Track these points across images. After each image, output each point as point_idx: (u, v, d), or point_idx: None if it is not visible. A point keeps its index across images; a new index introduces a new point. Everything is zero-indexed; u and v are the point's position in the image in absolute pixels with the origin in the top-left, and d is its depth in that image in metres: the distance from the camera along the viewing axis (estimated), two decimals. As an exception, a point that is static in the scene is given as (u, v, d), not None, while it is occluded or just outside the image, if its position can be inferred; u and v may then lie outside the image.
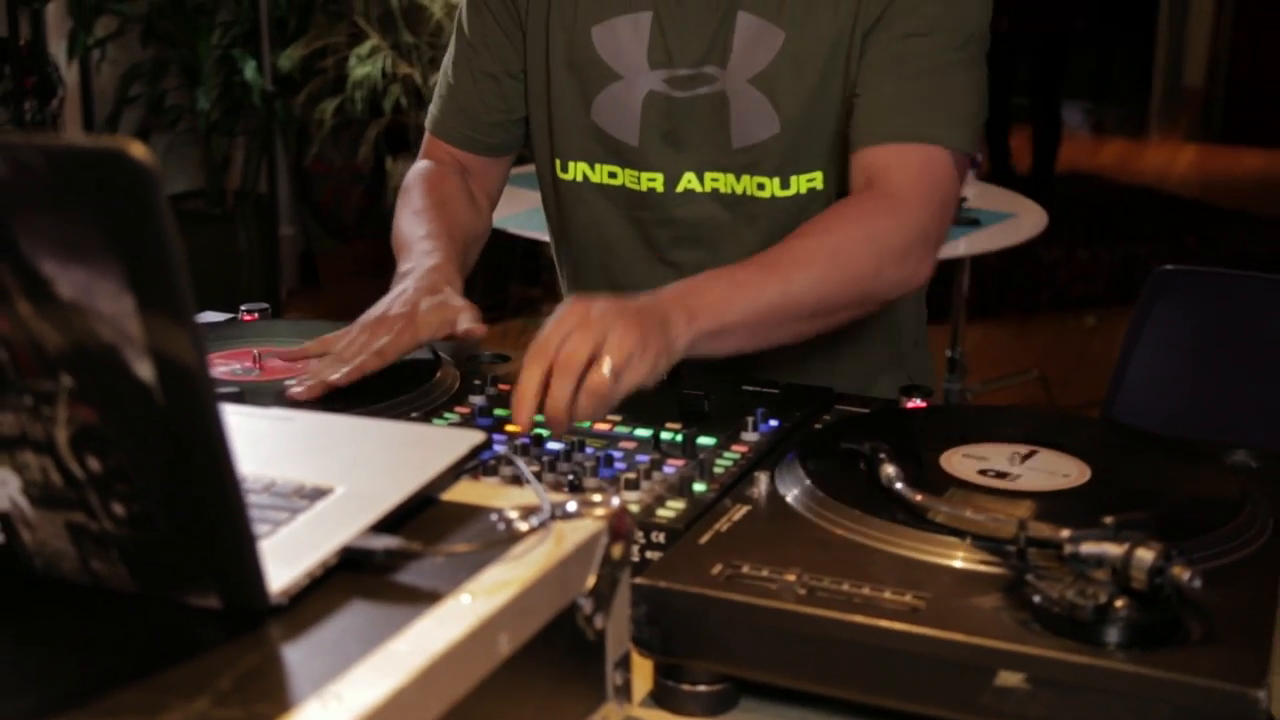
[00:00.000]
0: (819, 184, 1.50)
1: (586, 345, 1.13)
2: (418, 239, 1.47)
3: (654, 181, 1.53)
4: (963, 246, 3.34)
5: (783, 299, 1.29)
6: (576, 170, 1.57)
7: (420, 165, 1.64)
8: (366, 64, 4.67)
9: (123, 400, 0.77)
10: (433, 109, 1.66)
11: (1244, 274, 2.75)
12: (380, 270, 6.06)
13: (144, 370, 0.75)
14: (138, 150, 0.70)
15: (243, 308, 1.56)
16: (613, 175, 1.55)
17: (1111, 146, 7.80)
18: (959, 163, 1.44)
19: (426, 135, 1.67)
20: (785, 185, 1.50)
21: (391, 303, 1.38)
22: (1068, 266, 5.35)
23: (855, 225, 1.36)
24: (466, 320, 1.35)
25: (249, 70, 4.48)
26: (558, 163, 1.58)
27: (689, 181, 1.52)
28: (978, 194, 3.64)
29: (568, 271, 1.68)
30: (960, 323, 3.80)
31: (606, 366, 1.13)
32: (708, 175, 1.52)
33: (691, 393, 1.28)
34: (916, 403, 1.31)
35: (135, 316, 0.74)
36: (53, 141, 0.73)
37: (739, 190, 1.52)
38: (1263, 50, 7.64)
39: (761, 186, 1.51)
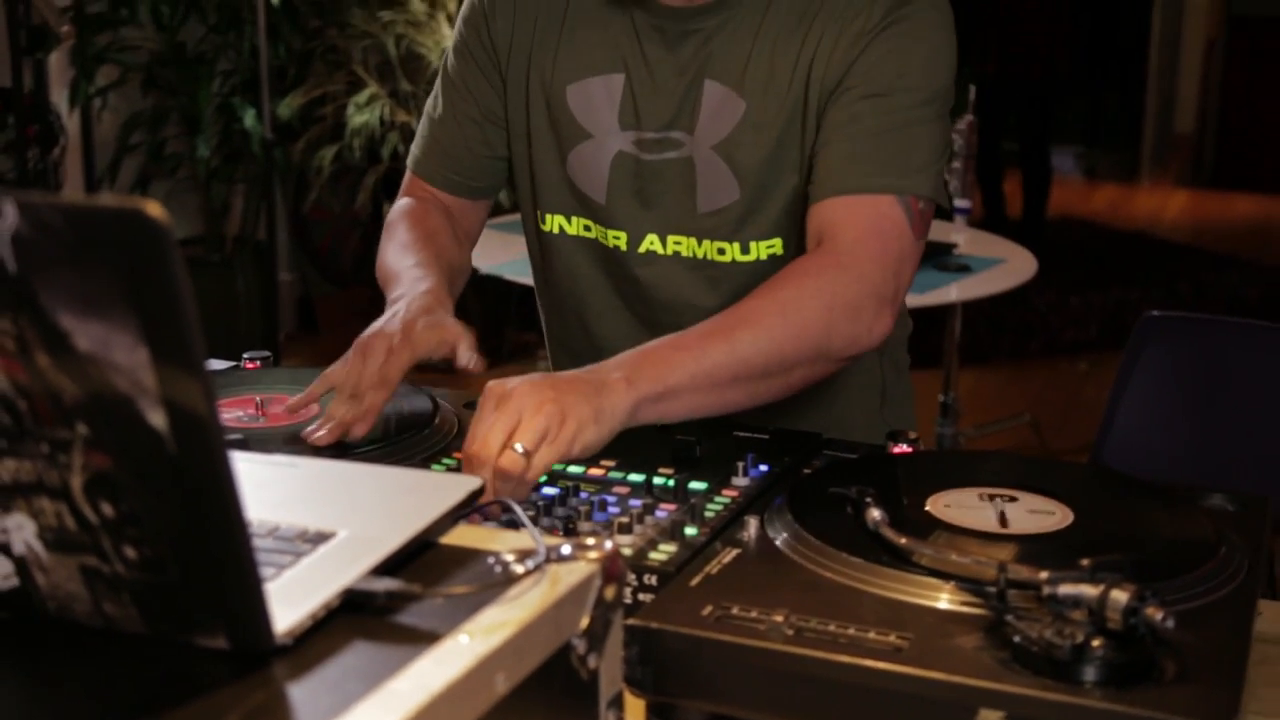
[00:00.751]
0: (779, 250, 1.53)
1: (497, 433, 1.18)
2: (407, 268, 1.49)
3: (619, 240, 1.57)
4: (954, 292, 3.38)
5: (729, 358, 1.29)
6: (554, 222, 1.60)
7: (403, 202, 1.67)
8: (365, 112, 4.72)
9: (136, 448, 0.80)
10: (415, 148, 1.69)
11: (1229, 320, 2.79)
12: (377, 315, 6.04)
13: (157, 419, 0.78)
14: (154, 210, 0.74)
15: (245, 356, 1.59)
16: (587, 229, 1.59)
17: (1104, 192, 7.86)
18: (918, 212, 1.43)
19: (408, 174, 1.70)
20: (745, 250, 1.53)
21: (386, 322, 1.39)
22: (1060, 312, 5.39)
23: (804, 282, 1.36)
24: (465, 350, 1.36)
25: (249, 118, 4.53)
26: (538, 214, 1.62)
27: (651, 243, 1.56)
28: (969, 240, 3.69)
29: (547, 320, 1.72)
30: (953, 367, 3.84)
31: (518, 448, 1.17)
32: (670, 238, 1.55)
33: (683, 438, 1.32)
34: (903, 448, 1.35)
35: (149, 368, 0.77)
36: (73, 201, 0.76)
37: (700, 254, 1.55)
38: (1252, 96, 7.72)
39: (722, 251, 1.54)
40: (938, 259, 3.41)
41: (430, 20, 4.76)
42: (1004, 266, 3.50)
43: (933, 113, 1.47)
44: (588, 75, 1.54)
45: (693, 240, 1.54)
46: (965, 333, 4.21)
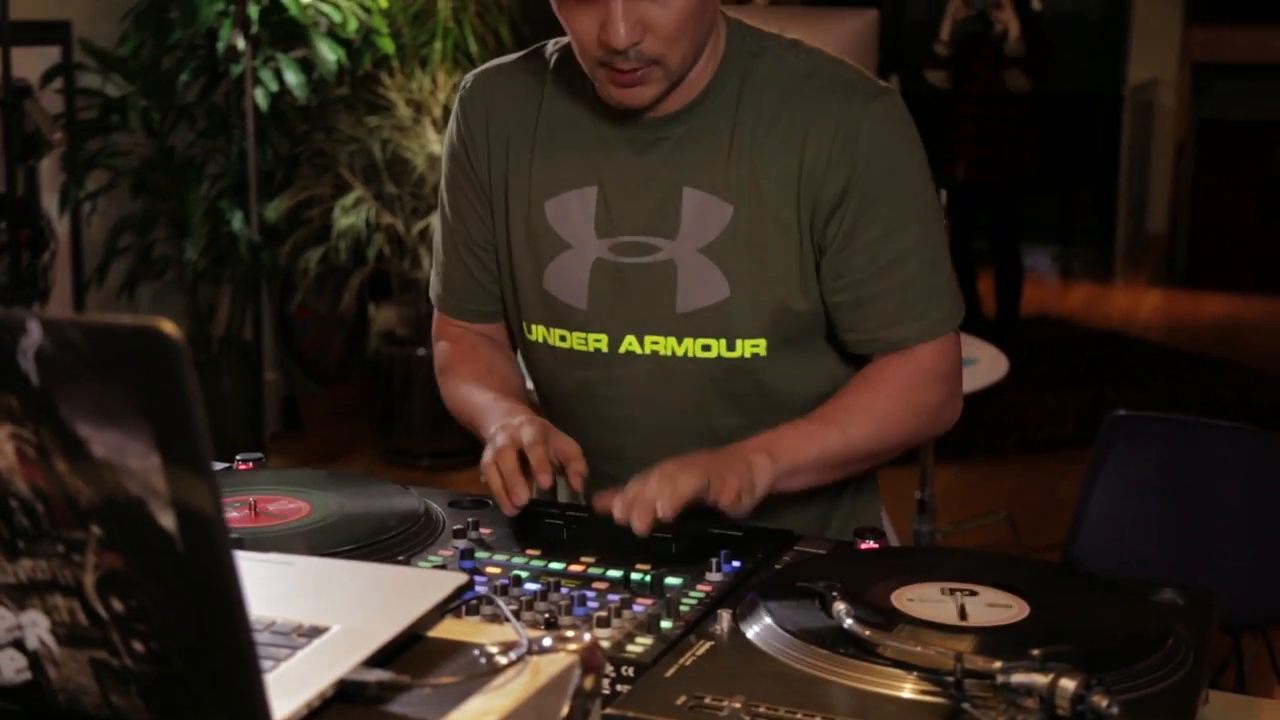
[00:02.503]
0: (762, 350, 1.58)
1: (678, 472, 1.40)
2: (489, 403, 1.61)
3: (599, 342, 1.61)
4: (928, 391, 3.45)
5: (843, 448, 1.54)
6: (537, 332, 1.66)
7: (444, 346, 1.75)
8: (351, 214, 4.81)
9: (147, 547, 0.86)
10: (435, 284, 1.76)
11: (1193, 420, 2.87)
12: (360, 413, 6.10)
13: (167, 520, 0.84)
14: (169, 328, 0.81)
15: (238, 457, 1.65)
16: (562, 339, 1.64)
17: (1078, 291, 7.98)
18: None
19: (436, 313, 1.77)
20: (731, 347, 1.58)
21: (516, 423, 1.51)
22: (1036, 409, 5.47)
23: (897, 398, 1.58)
24: (579, 465, 1.49)
25: (236, 221, 4.61)
26: (524, 326, 1.68)
27: (630, 344, 1.60)
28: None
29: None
30: (929, 465, 3.90)
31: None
32: (647, 338, 1.59)
33: (660, 535, 1.38)
34: (869, 544, 1.41)
35: (161, 473, 0.83)
36: (93, 320, 0.83)
37: (679, 352, 1.59)
38: (1221, 198, 7.87)
39: (707, 348, 1.58)
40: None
41: (415, 125, 4.86)
42: (976, 366, 3.58)
43: (935, 222, 1.58)
44: (563, 190, 1.59)
45: (671, 340, 1.59)
46: (942, 430, 4.27)
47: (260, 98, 4.47)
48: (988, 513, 4.43)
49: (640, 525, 1.36)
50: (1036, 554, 4.04)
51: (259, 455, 1.65)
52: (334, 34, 4.69)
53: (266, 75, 4.55)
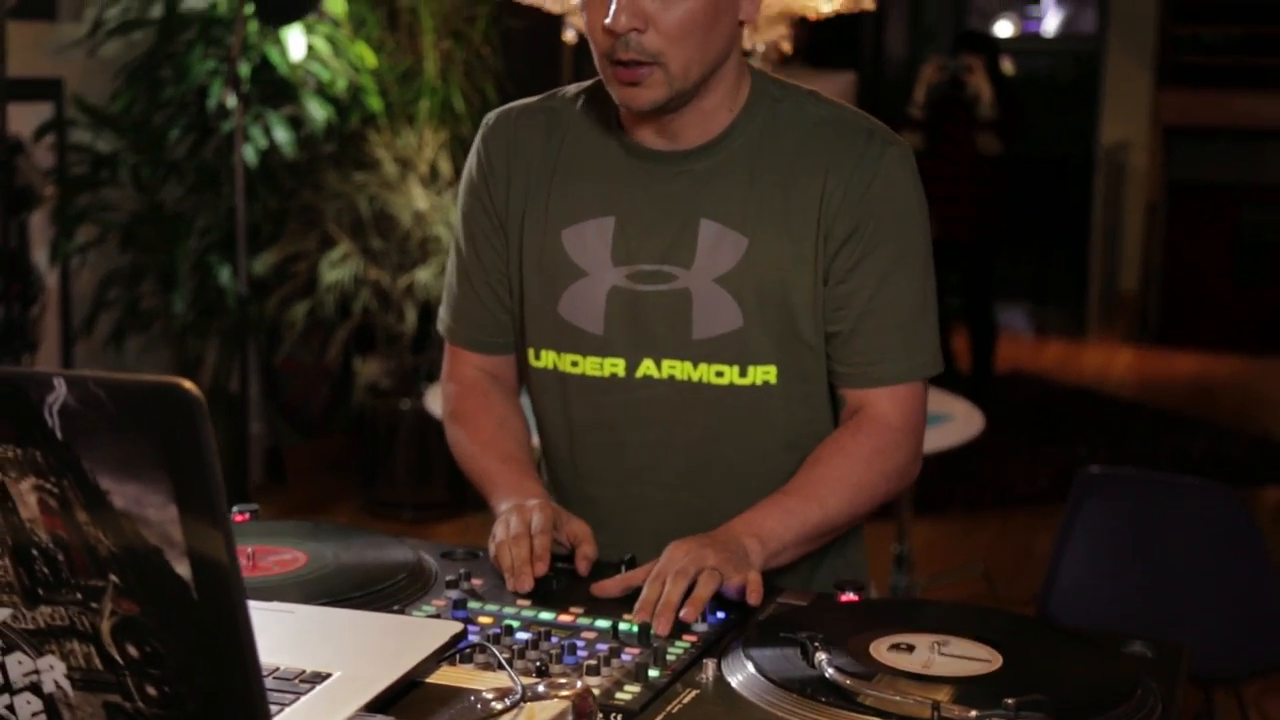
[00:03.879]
0: (772, 379, 1.64)
1: (690, 569, 1.44)
2: (500, 473, 1.69)
3: (616, 367, 1.67)
4: (906, 447, 3.50)
5: (822, 521, 1.61)
6: (547, 359, 1.70)
7: (454, 389, 1.78)
8: (338, 268, 4.86)
9: (162, 595, 0.90)
10: (445, 317, 1.80)
11: (1163, 476, 2.93)
12: (343, 465, 6.11)
13: (182, 569, 0.89)
14: (189, 386, 0.86)
15: (234, 509, 1.69)
16: (575, 364, 1.68)
17: (1052, 348, 8.07)
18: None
19: (448, 346, 1.80)
20: (744, 374, 1.64)
21: (531, 506, 1.58)
22: (1012, 465, 5.52)
23: (871, 463, 1.64)
24: (588, 548, 1.56)
25: (224, 275, 4.65)
26: (531, 351, 1.72)
27: (648, 368, 1.66)
28: (920, 397, 3.82)
29: (543, 448, 1.80)
30: (907, 519, 3.94)
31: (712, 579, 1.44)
32: (665, 363, 1.65)
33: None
34: (850, 596, 1.46)
35: (178, 523, 0.88)
36: (116, 377, 0.88)
37: (695, 377, 1.64)
38: (1193, 257, 7.98)
39: (720, 374, 1.64)
40: (890, 415, 3.54)
41: (402, 182, 4.93)
42: (952, 423, 3.64)
43: (930, 272, 1.66)
44: (581, 220, 1.65)
45: (687, 364, 1.65)
46: (920, 484, 4.32)
47: (250, 154, 4.53)
48: (964, 566, 4.48)
49: (663, 629, 1.37)
50: (1012, 607, 4.08)
51: (254, 507, 1.69)
52: (323, 92, 4.75)
53: (256, 132, 4.61)
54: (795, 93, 1.66)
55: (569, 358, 1.68)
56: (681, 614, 1.38)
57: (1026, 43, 9.50)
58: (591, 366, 1.67)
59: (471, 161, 1.74)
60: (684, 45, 1.53)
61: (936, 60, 6.34)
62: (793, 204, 1.61)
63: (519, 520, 1.55)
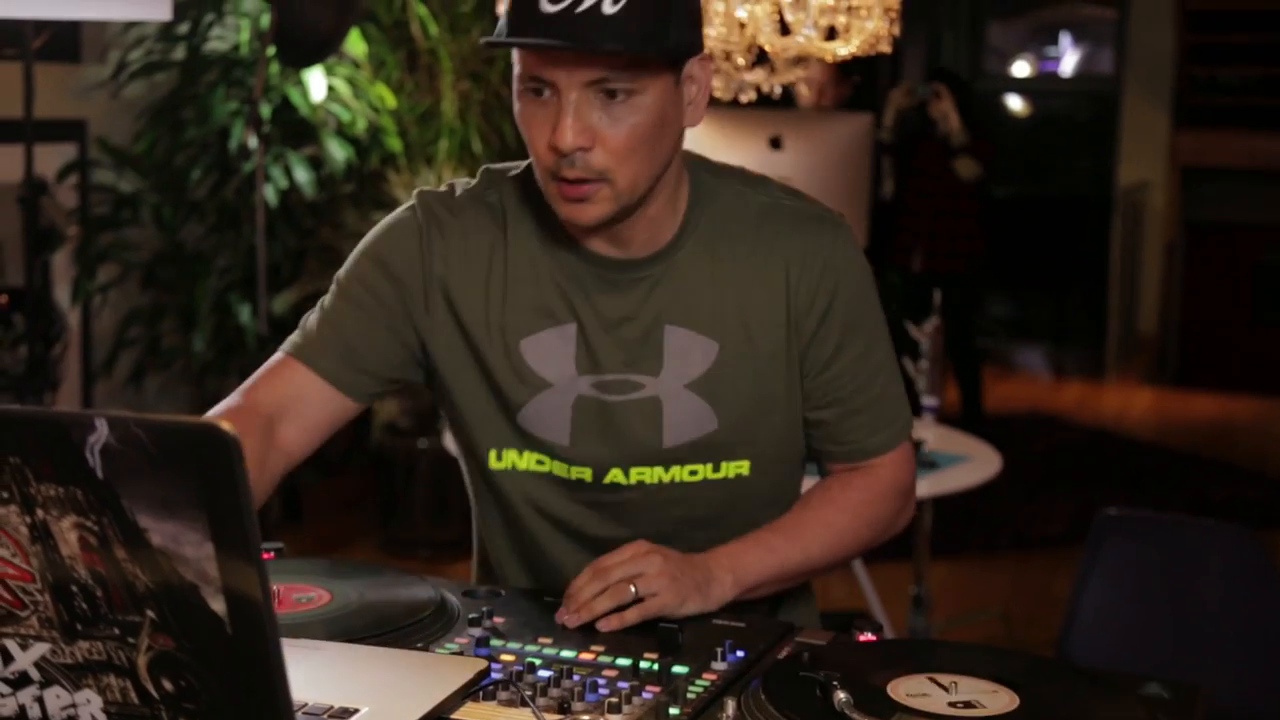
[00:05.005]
0: (745, 471, 1.65)
1: (625, 568, 1.49)
2: None
3: (583, 473, 1.63)
4: (924, 488, 3.52)
5: (803, 564, 1.64)
6: (508, 459, 1.65)
7: (228, 407, 1.65)
8: (356, 308, 4.90)
9: (198, 630, 0.92)
10: (296, 335, 1.67)
11: (1182, 518, 2.94)
12: (360, 504, 6.12)
13: (218, 605, 0.91)
14: (226, 426, 0.88)
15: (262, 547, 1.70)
16: (540, 463, 1.65)
17: (1070, 389, 8.07)
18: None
19: (283, 359, 1.66)
20: (717, 470, 1.65)
21: None
22: (1029, 506, 5.52)
23: (857, 513, 1.68)
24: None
25: (244, 314, 4.69)
26: (491, 454, 1.65)
27: (615, 475, 1.62)
28: (936, 437, 3.83)
29: (488, 543, 1.75)
30: (924, 561, 3.95)
31: (633, 589, 1.48)
32: (633, 470, 1.62)
33: (667, 626, 1.44)
34: (868, 636, 1.47)
35: (214, 560, 0.90)
36: (156, 419, 0.90)
37: (666, 479, 1.63)
38: (1212, 298, 7.98)
39: (694, 472, 1.63)
40: (907, 456, 3.56)
41: (421, 222, 4.97)
42: (969, 464, 3.64)
43: (889, 334, 1.70)
44: (541, 329, 1.60)
45: (659, 469, 1.63)
46: (937, 526, 4.33)
47: (270, 194, 4.58)
48: (982, 609, 4.48)
49: (571, 624, 1.46)
50: (1030, 650, 4.08)
51: (279, 545, 1.71)
52: (343, 132, 4.80)
53: (277, 172, 4.66)
54: (729, 179, 1.65)
55: (533, 456, 1.64)
56: (599, 624, 1.45)
57: (1044, 83, 9.54)
58: (558, 469, 1.64)
59: (401, 229, 1.64)
60: (630, 161, 1.50)
61: (905, 85, 6.40)
62: (757, 300, 1.61)
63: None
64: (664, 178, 1.57)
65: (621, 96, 1.48)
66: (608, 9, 1.44)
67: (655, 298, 1.61)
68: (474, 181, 1.68)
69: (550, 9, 1.44)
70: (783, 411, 1.65)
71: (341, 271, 1.68)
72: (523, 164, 1.65)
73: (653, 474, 1.63)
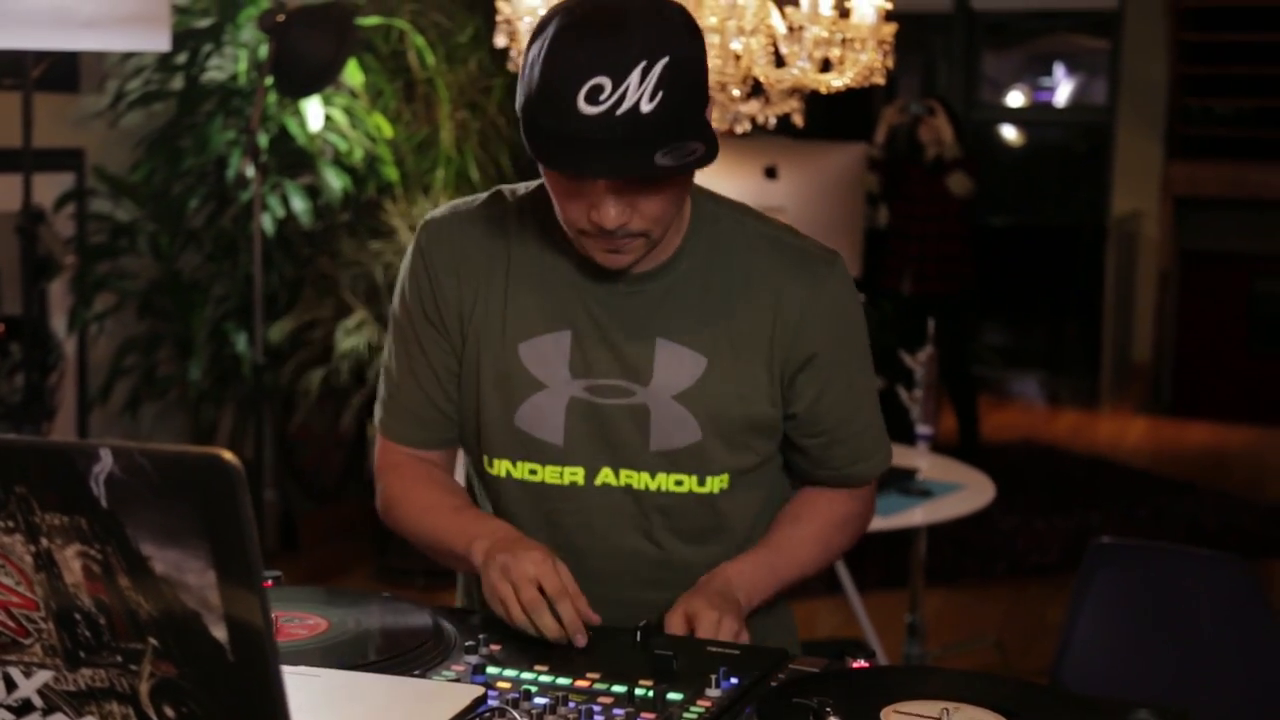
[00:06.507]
0: (726, 484, 1.71)
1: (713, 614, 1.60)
2: (455, 520, 1.68)
3: (575, 475, 1.69)
4: (918, 515, 3.53)
5: (798, 579, 1.75)
6: (500, 467, 1.72)
7: (389, 477, 1.77)
8: (353, 336, 4.91)
9: (199, 658, 0.94)
10: (382, 411, 1.78)
11: (1176, 547, 2.95)
12: (357, 532, 6.12)
13: (219, 632, 0.92)
14: (229, 456, 0.89)
15: (258, 575, 1.71)
16: (533, 472, 1.70)
17: (1065, 417, 8.09)
18: None
19: (380, 439, 1.79)
20: (702, 483, 1.70)
21: (521, 548, 1.57)
22: (1024, 535, 5.53)
23: (842, 529, 1.80)
24: (580, 632, 1.53)
25: (240, 342, 4.70)
26: (485, 459, 1.72)
27: (606, 476, 1.69)
28: (930, 465, 3.85)
29: None
30: (919, 588, 3.96)
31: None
32: (623, 472, 1.69)
33: (662, 653, 1.45)
34: (861, 663, 1.48)
35: (216, 588, 0.91)
36: (160, 448, 0.92)
37: (652, 486, 1.69)
38: (1206, 327, 8.01)
39: (680, 483, 1.69)
40: (900, 484, 3.57)
41: (417, 251, 4.99)
42: (963, 492, 3.66)
43: (872, 366, 1.78)
44: (537, 333, 1.67)
45: (645, 474, 1.69)
46: (932, 554, 4.34)
47: (267, 223, 4.60)
48: (977, 637, 4.49)
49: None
50: (1025, 678, 4.08)
51: (277, 574, 1.72)
52: (340, 162, 4.83)
53: (274, 201, 4.68)
54: (729, 208, 1.72)
55: (526, 466, 1.70)
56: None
57: (1038, 113, 9.59)
58: (550, 475, 1.70)
59: (416, 265, 1.73)
60: (664, 220, 1.58)
61: (899, 102, 6.42)
62: (746, 324, 1.67)
63: (550, 574, 1.53)
64: None
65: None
66: (645, 107, 1.47)
67: (650, 311, 1.67)
68: (480, 198, 1.76)
69: (589, 110, 1.47)
70: (764, 431, 1.71)
71: (389, 330, 1.78)
72: (535, 183, 1.72)
73: (640, 479, 1.69)
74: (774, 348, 1.68)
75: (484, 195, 1.76)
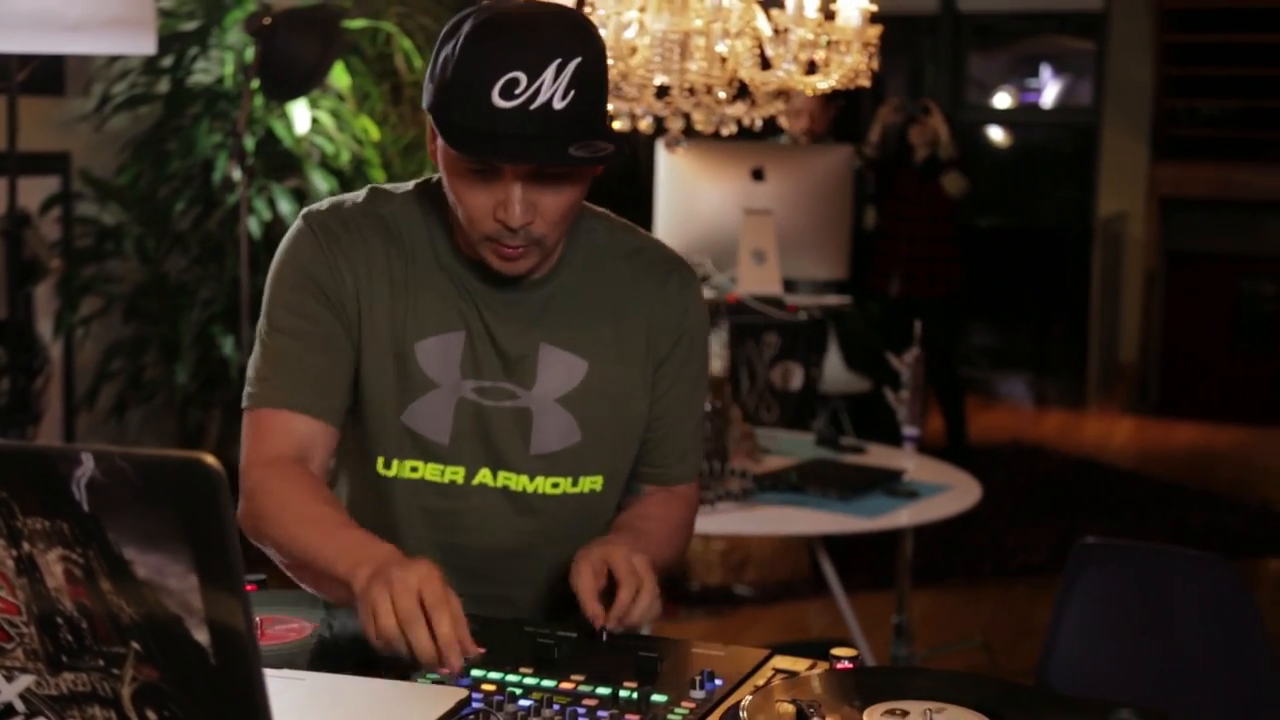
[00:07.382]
0: (599, 486, 1.77)
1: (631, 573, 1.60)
2: (338, 536, 1.55)
3: (455, 474, 1.72)
4: (905, 517, 3.53)
5: (674, 563, 1.82)
6: (381, 463, 1.71)
7: (256, 475, 1.63)
8: (339, 340, 4.91)
9: (181, 661, 0.94)
10: (259, 385, 1.67)
11: (1161, 547, 2.95)
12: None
13: (201, 636, 0.92)
14: (210, 460, 0.90)
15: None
16: (414, 470, 1.72)
17: (1052, 418, 8.10)
18: None
19: (255, 421, 1.66)
20: (575, 484, 1.76)
21: (404, 562, 1.46)
22: (1011, 535, 5.54)
23: (681, 531, 1.86)
24: (455, 652, 1.40)
25: (227, 346, 4.70)
26: (380, 460, 1.71)
27: (483, 476, 1.73)
28: (916, 466, 3.86)
29: None
30: (906, 590, 3.96)
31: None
32: (500, 473, 1.73)
33: (646, 655, 1.46)
34: (845, 664, 1.49)
35: (198, 592, 0.92)
36: (141, 452, 0.92)
37: (529, 489, 1.74)
38: (1192, 327, 8.03)
39: (555, 485, 1.75)
40: (887, 485, 3.57)
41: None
42: (951, 493, 3.66)
43: None
44: (434, 334, 1.70)
45: (524, 477, 1.73)
46: (919, 555, 4.34)
47: (254, 226, 4.59)
48: (964, 638, 4.50)
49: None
50: (1012, 679, 4.09)
51: (262, 577, 1.72)
52: (327, 165, 4.83)
53: (260, 204, 4.68)
54: (598, 220, 1.79)
55: (409, 464, 1.72)
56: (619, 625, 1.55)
57: (1025, 114, 9.61)
58: (431, 473, 1.72)
59: (309, 247, 1.67)
60: (561, 226, 1.63)
61: (894, 101, 6.43)
62: (623, 332, 1.76)
63: (433, 584, 1.42)
64: None
65: (561, 174, 1.59)
66: (558, 104, 1.54)
67: (535, 317, 1.73)
68: (360, 197, 1.74)
69: (503, 104, 1.53)
70: (637, 432, 1.79)
71: (264, 316, 1.70)
72: (409, 185, 1.75)
73: (518, 481, 1.74)
74: (648, 352, 1.77)
75: (363, 193, 1.74)
